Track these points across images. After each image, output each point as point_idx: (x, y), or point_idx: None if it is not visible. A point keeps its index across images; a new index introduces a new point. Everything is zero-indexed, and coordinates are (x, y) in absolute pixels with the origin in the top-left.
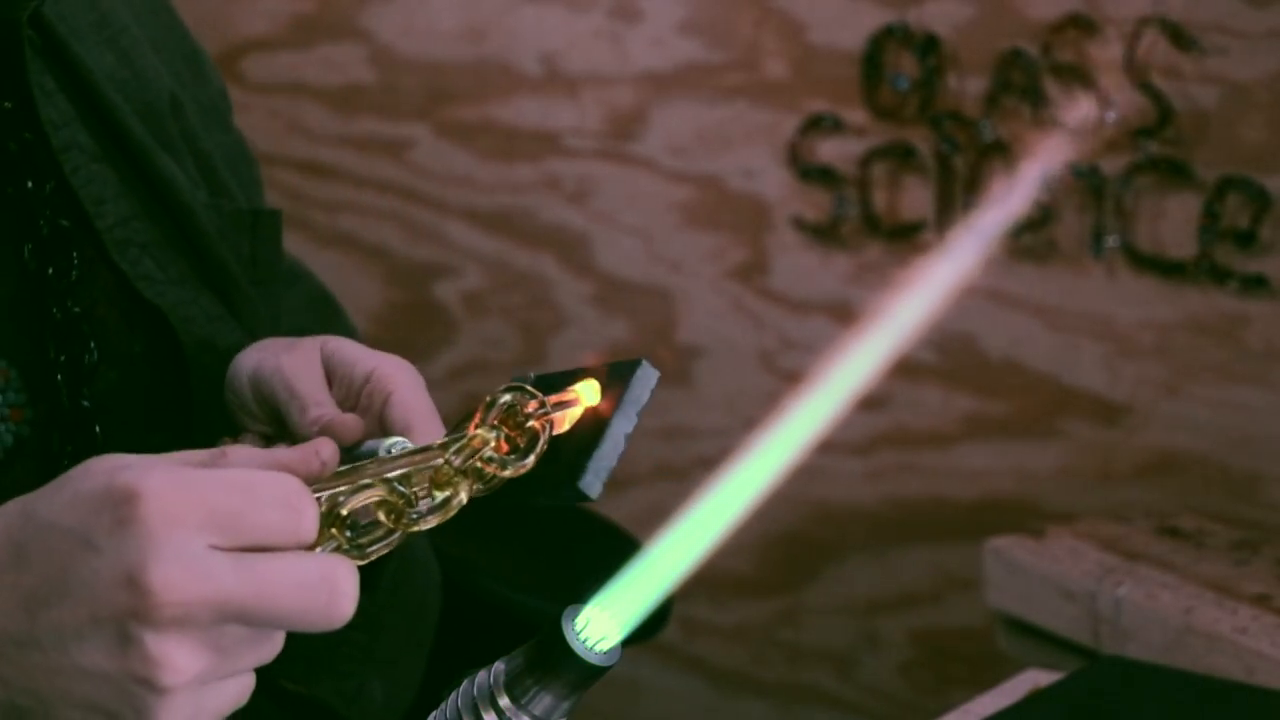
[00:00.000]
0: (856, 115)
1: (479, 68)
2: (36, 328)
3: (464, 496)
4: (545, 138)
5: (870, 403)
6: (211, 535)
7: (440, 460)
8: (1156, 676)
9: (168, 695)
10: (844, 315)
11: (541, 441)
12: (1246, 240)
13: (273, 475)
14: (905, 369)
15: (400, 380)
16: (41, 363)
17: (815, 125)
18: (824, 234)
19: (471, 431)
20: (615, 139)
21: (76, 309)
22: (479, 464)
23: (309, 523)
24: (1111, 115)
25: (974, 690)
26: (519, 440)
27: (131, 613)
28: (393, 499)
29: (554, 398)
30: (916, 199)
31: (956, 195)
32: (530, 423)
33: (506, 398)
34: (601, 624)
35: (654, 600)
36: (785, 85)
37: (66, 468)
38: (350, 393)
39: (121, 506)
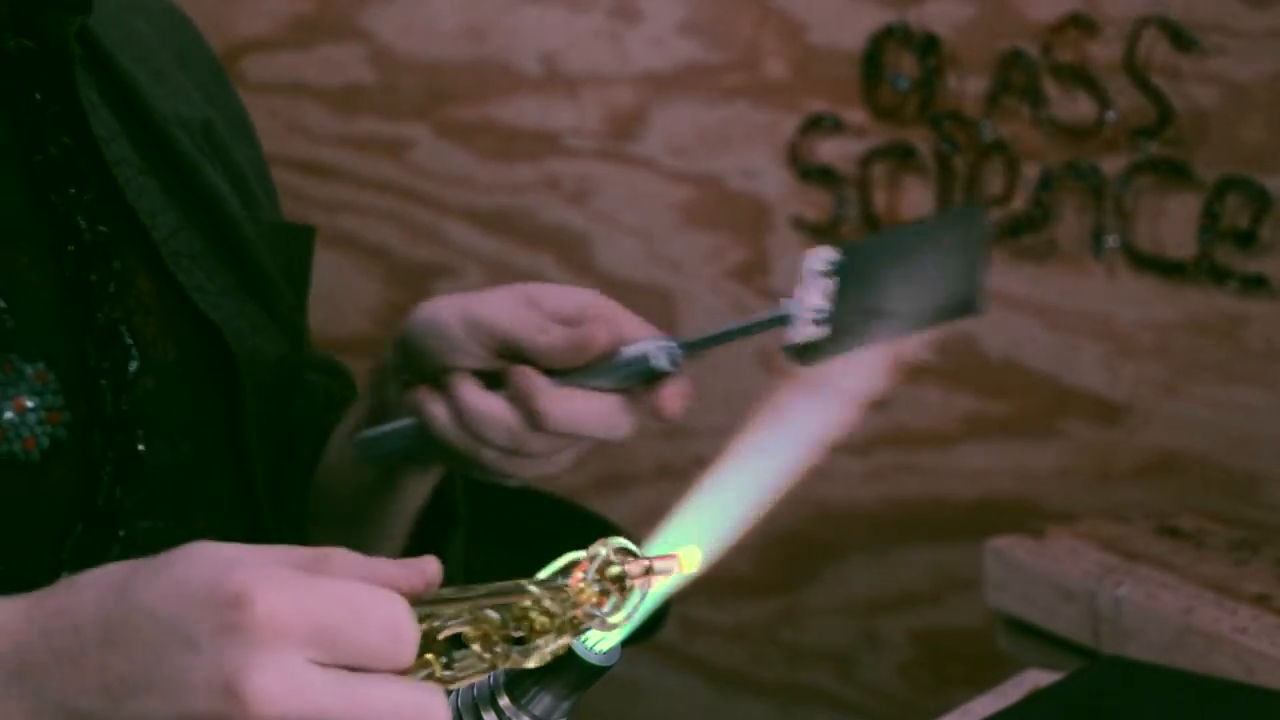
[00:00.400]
0: (856, 115)
1: (479, 68)
2: (76, 333)
3: (560, 644)
4: (545, 138)
5: (870, 403)
6: (313, 650)
7: (537, 601)
8: (1156, 676)
9: None
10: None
11: (636, 604)
12: (1246, 240)
13: (380, 595)
14: (905, 369)
15: (610, 307)
16: (80, 367)
17: (815, 125)
18: (824, 234)
19: (574, 584)
20: (615, 139)
21: (116, 315)
22: (576, 614)
23: (409, 650)
24: (1111, 115)
25: (974, 690)
26: (613, 592)
27: (223, 718)
28: (491, 630)
29: (658, 561)
30: (916, 199)
31: (956, 195)
32: (630, 582)
33: (613, 558)
34: None
35: (654, 600)
36: (785, 85)
37: (108, 472)
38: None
39: (228, 610)
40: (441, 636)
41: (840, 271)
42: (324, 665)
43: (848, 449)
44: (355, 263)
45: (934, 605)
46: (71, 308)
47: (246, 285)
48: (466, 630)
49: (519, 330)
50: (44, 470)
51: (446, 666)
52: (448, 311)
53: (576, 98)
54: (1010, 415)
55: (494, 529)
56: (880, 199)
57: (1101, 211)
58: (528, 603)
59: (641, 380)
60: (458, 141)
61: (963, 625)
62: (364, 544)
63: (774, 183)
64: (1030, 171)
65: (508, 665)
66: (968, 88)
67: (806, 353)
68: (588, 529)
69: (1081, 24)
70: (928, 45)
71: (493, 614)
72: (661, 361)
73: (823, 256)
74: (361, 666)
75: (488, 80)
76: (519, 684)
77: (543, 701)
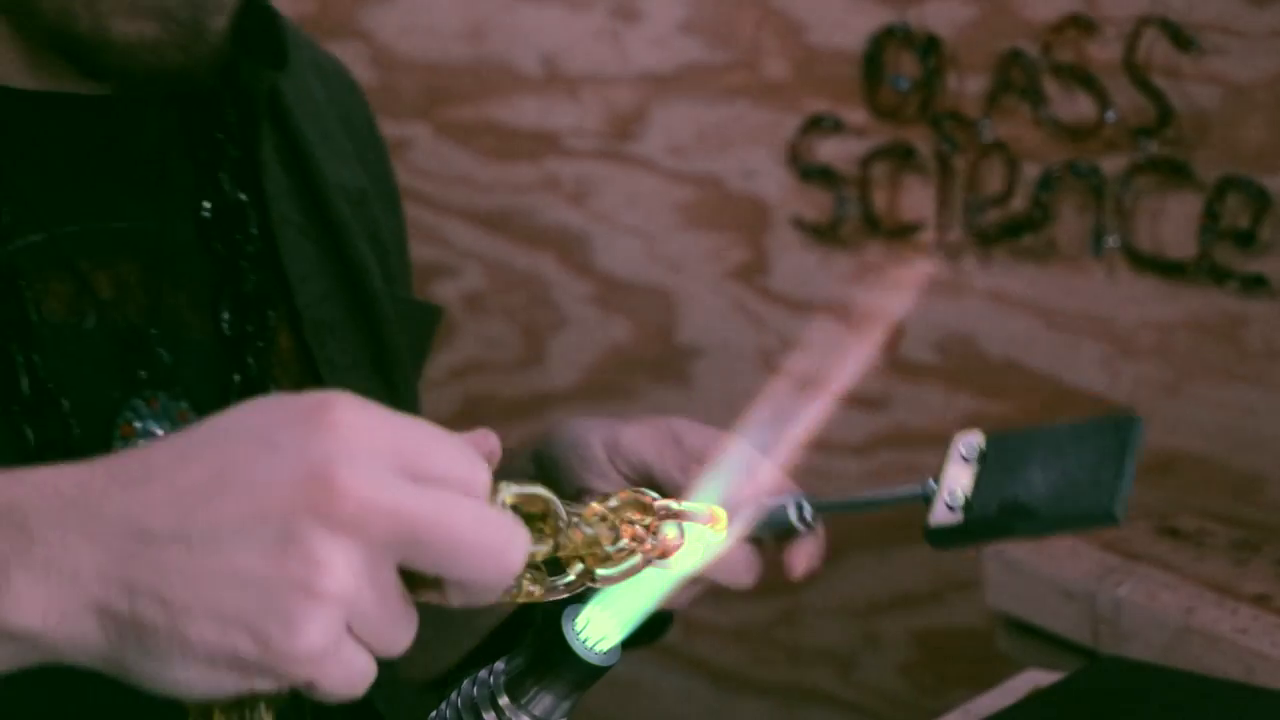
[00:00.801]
0: (856, 115)
1: (479, 68)
2: (223, 380)
3: (632, 558)
4: (545, 138)
5: (870, 403)
6: (396, 460)
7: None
8: (1156, 676)
9: (318, 603)
10: (844, 315)
11: (644, 554)
12: (1246, 240)
13: (453, 434)
14: (905, 369)
15: (753, 456)
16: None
17: (815, 125)
18: (824, 234)
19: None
20: (615, 139)
21: (262, 368)
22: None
23: (484, 478)
24: (1111, 115)
25: (974, 690)
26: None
27: (307, 507)
28: (548, 508)
29: (691, 510)
30: (916, 199)
31: (956, 195)
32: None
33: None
34: (601, 624)
35: (655, 601)
36: (785, 85)
37: None
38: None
39: (313, 411)
40: (504, 498)
41: (984, 460)
42: (406, 475)
43: (848, 449)
44: None
45: (934, 605)
46: (223, 355)
47: (378, 363)
48: (523, 503)
49: (663, 465)
50: None
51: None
52: (594, 435)
53: (576, 98)
54: (1010, 415)
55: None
56: (880, 199)
57: (1101, 211)
58: (577, 519)
59: (772, 533)
60: (458, 141)
61: (963, 625)
62: (452, 633)
63: (774, 183)
64: (1030, 171)
65: (564, 538)
66: (968, 88)
67: (937, 537)
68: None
69: (1081, 24)
70: (928, 45)
71: (546, 493)
72: (796, 519)
73: (970, 442)
74: (437, 481)
75: (488, 80)
76: (519, 684)
77: (543, 701)
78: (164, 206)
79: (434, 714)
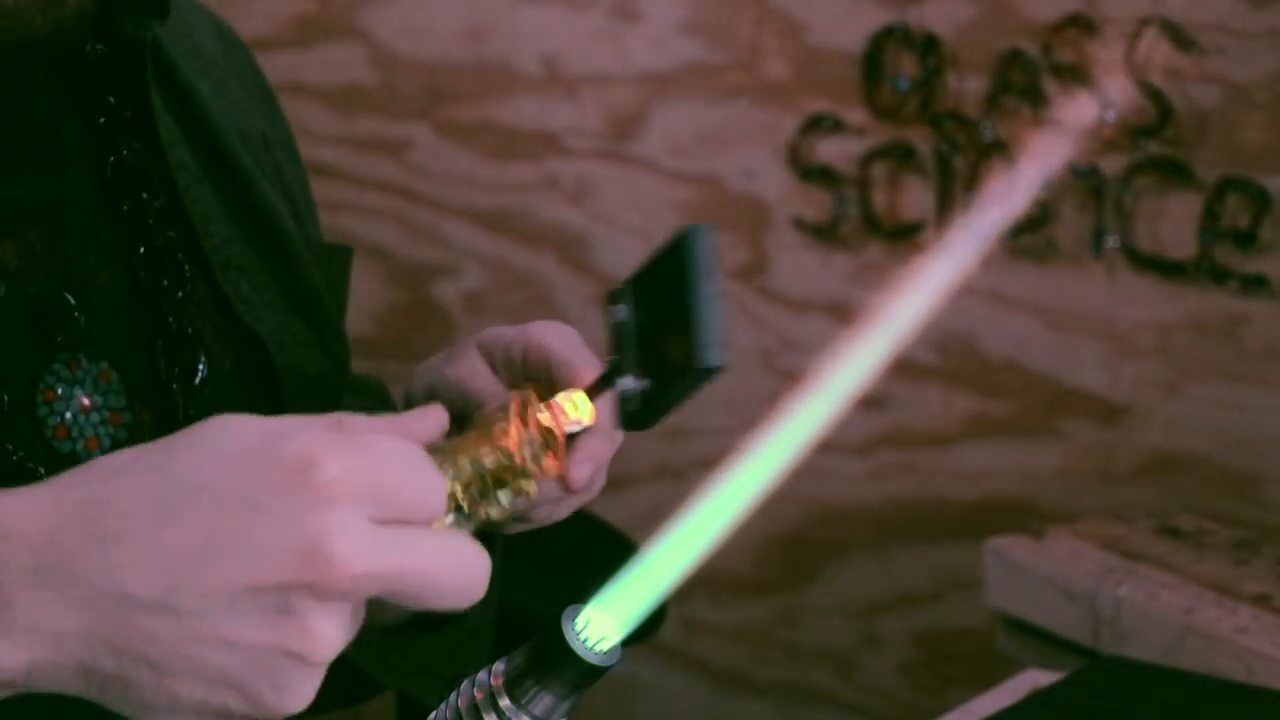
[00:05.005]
0: (856, 115)
1: (479, 68)
2: (145, 336)
3: (530, 491)
4: (545, 138)
5: (870, 403)
6: (372, 508)
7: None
8: (1156, 676)
9: (313, 670)
10: (844, 315)
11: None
12: (1246, 240)
13: (413, 450)
14: (905, 369)
15: (553, 341)
16: (146, 371)
17: (815, 125)
18: (824, 234)
19: (531, 432)
20: (615, 139)
21: (183, 321)
22: (530, 461)
23: (441, 501)
24: (1111, 115)
25: (974, 690)
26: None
27: (304, 583)
28: (473, 480)
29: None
30: (916, 199)
31: (956, 195)
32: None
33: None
34: (601, 624)
35: (654, 600)
36: (785, 85)
37: None
38: (517, 371)
39: (298, 473)
40: (460, 492)
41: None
42: (380, 523)
43: (848, 449)
44: (355, 263)
45: (934, 605)
46: (142, 311)
47: (295, 301)
48: (457, 485)
49: (467, 416)
50: None
51: (459, 519)
52: (419, 391)
53: (576, 98)
54: (1010, 415)
55: (525, 545)
56: (880, 199)
57: (1101, 211)
58: (497, 455)
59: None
60: (458, 141)
61: (963, 625)
62: None
63: (774, 183)
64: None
65: (481, 509)
66: (968, 88)
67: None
68: (583, 532)
69: (1081, 24)
70: (928, 45)
71: (469, 467)
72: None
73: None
74: (406, 520)
75: (488, 80)
76: (519, 684)
77: (543, 701)
78: (62, 171)
79: (434, 714)
